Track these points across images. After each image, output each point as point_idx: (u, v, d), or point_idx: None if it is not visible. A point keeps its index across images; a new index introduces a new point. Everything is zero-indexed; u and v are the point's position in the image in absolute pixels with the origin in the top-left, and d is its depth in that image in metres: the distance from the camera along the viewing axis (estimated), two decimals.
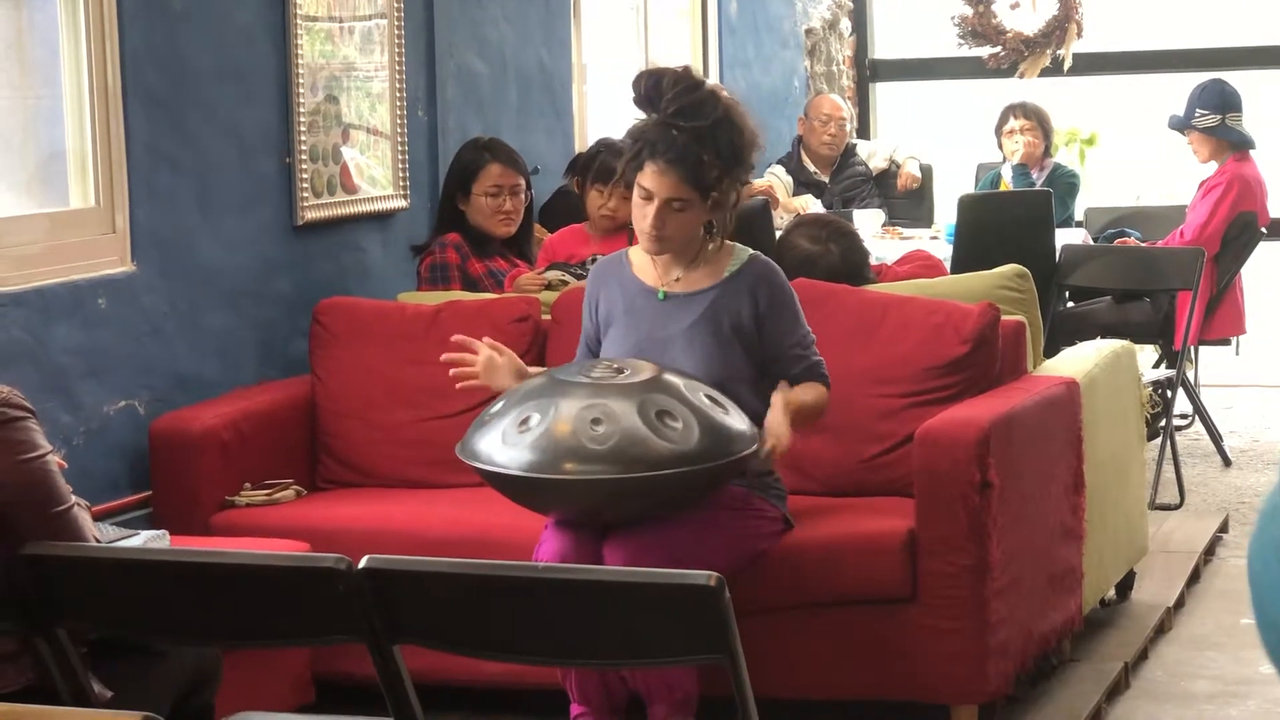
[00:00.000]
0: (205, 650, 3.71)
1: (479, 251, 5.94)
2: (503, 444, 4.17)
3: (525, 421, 4.17)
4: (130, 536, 4.01)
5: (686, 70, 4.47)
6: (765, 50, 9.54)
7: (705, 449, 4.14)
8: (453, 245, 5.91)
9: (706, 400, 4.23)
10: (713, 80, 4.50)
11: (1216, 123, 7.69)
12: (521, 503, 4.33)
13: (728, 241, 4.57)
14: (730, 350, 4.46)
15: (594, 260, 5.28)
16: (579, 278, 5.67)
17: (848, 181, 8.83)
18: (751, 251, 4.58)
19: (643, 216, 4.43)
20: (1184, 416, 7.84)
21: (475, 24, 6.85)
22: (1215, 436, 7.58)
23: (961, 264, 6.85)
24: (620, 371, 4.25)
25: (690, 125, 4.36)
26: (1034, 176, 8.39)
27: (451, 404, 5.16)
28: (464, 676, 4.56)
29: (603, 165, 6.01)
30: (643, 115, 4.48)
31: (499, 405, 4.29)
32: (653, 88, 4.40)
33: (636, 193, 4.43)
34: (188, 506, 4.95)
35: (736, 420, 4.25)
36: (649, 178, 4.39)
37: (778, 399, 4.34)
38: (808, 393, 4.44)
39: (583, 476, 4.10)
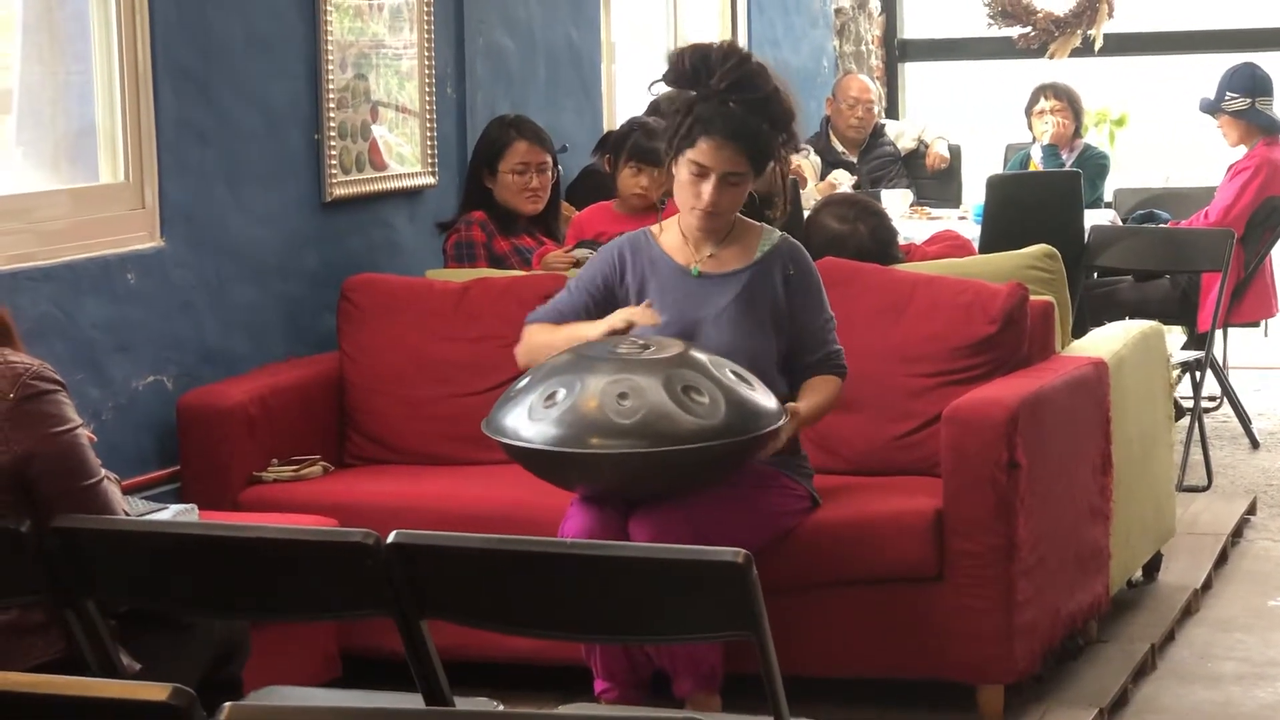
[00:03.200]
0: (233, 624, 3.72)
1: (505, 229, 5.94)
2: (529, 419, 4.18)
3: (551, 397, 4.17)
4: (159, 510, 4.02)
5: (733, 45, 4.49)
6: (794, 29, 9.52)
7: (731, 424, 4.14)
8: (478, 223, 5.92)
9: (732, 376, 4.23)
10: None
11: (1246, 106, 7.67)
12: (547, 478, 4.34)
13: (754, 221, 4.57)
14: (765, 331, 4.47)
15: None
16: None
17: (876, 161, 8.82)
18: (781, 233, 4.59)
19: (696, 194, 4.42)
20: (1212, 398, 7.82)
21: (504, 1, 6.85)
22: (1244, 418, 7.56)
23: (990, 244, 6.84)
24: (646, 347, 4.25)
25: (747, 98, 4.37)
26: (1064, 157, 8.37)
27: (480, 380, 5.17)
28: (489, 652, 4.57)
29: (636, 144, 6.01)
30: (669, 93, 4.49)
31: (525, 381, 4.30)
32: (700, 63, 4.40)
33: (687, 169, 4.42)
34: (216, 482, 4.96)
35: (762, 397, 4.25)
36: (705, 153, 4.38)
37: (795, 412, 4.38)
38: (817, 395, 4.46)
39: (609, 451, 4.11)
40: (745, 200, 4.51)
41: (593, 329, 4.46)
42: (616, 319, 4.43)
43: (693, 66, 4.41)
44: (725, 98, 4.38)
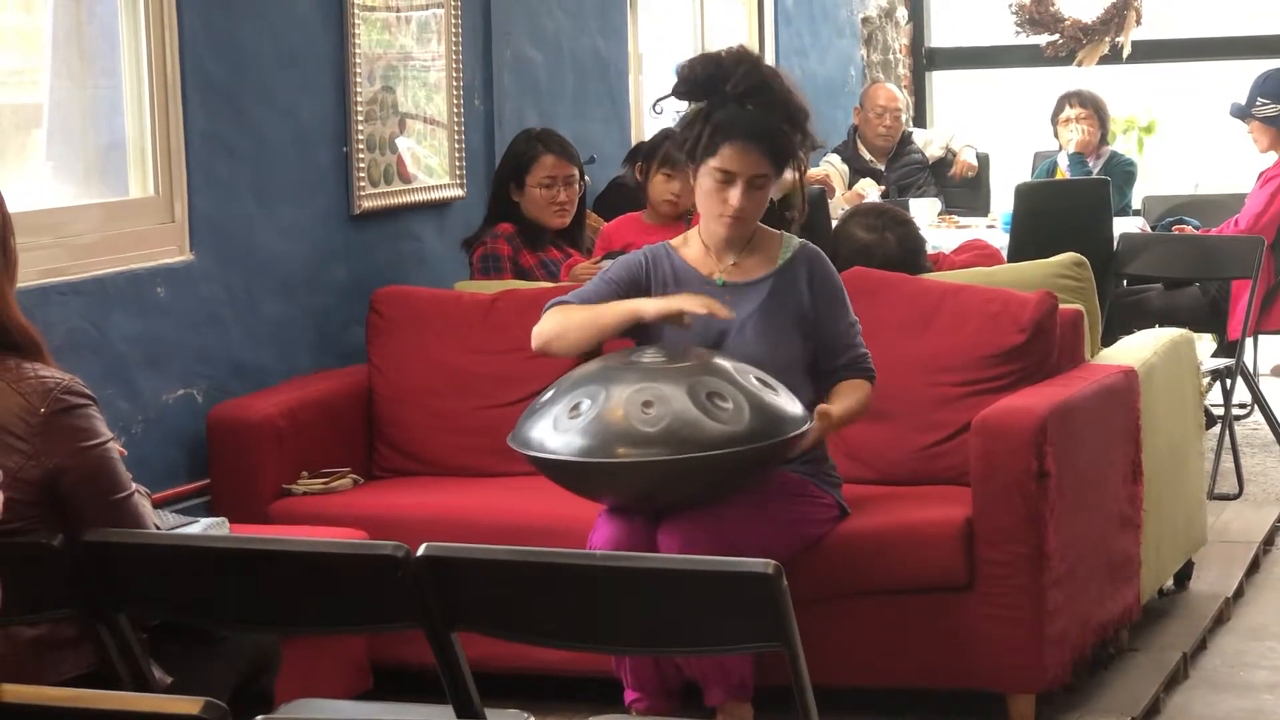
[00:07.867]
0: (264, 637, 3.73)
1: (531, 244, 5.95)
2: (554, 430, 4.18)
3: (576, 407, 4.18)
4: (190, 524, 4.02)
5: (744, 50, 4.50)
6: (821, 39, 9.52)
7: (756, 429, 4.14)
8: (504, 237, 5.92)
9: (757, 382, 4.23)
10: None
11: (1277, 112, 7.65)
12: (575, 489, 4.34)
13: (773, 229, 4.58)
14: (791, 338, 4.48)
15: None
16: None
17: (904, 170, 8.81)
18: (800, 239, 4.59)
19: (723, 200, 4.43)
20: (1243, 406, 7.79)
21: (531, 13, 6.86)
22: (1275, 426, 7.53)
23: (1018, 253, 6.83)
24: (670, 356, 4.26)
25: (764, 100, 4.38)
26: (1090, 165, 8.36)
27: (508, 392, 5.17)
28: (520, 664, 4.56)
29: (668, 153, 6.02)
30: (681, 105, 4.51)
31: (550, 393, 4.30)
32: (714, 71, 4.42)
33: (711, 178, 4.43)
34: (246, 494, 4.97)
35: (787, 402, 4.26)
36: (730, 159, 4.39)
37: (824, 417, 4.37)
38: (849, 399, 4.46)
39: (635, 459, 4.11)
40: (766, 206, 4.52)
41: (633, 305, 4.42)
42: (682, 303, 4.35)
43: (705, 75, 4.44)
44: (744, 101, 4.40)
